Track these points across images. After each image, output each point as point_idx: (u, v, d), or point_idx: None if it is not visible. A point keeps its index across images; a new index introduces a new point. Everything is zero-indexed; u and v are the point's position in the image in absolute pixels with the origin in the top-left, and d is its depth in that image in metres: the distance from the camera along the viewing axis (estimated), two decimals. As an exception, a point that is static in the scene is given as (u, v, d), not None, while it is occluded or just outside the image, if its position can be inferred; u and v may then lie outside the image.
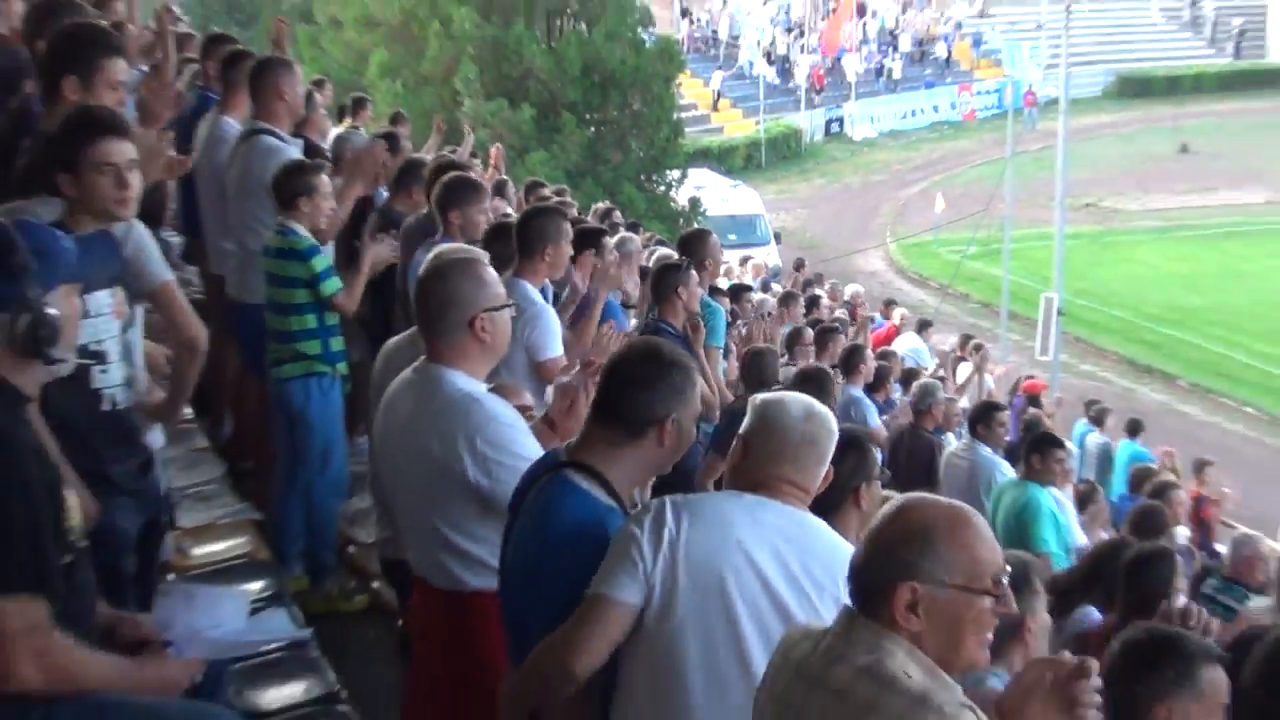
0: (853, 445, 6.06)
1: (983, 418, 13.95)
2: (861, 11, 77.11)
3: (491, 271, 6.04)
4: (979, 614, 3.72)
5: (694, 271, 10.61)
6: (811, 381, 9.51)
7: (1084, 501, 14.94)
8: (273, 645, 5.84)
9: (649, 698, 4.69)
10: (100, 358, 5.66)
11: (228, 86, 10.58)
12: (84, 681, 4.45)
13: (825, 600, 4.55)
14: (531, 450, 5.62)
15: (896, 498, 4.06)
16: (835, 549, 4.70)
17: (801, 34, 74.01)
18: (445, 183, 9.47)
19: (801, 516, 4.82)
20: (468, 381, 5.78)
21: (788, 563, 4.63)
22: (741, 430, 4.99)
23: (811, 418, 4.92)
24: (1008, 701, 3.75)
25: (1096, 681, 3.69)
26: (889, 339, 25.72)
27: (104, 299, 5.60)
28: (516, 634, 5.18)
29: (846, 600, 4.00)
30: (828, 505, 5.49)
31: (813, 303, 23.43)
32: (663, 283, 10.38)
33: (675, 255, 11.60)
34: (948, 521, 3.79)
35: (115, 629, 4.93)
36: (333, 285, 8.56)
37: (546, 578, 4.99)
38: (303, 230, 8.61)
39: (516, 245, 8.48)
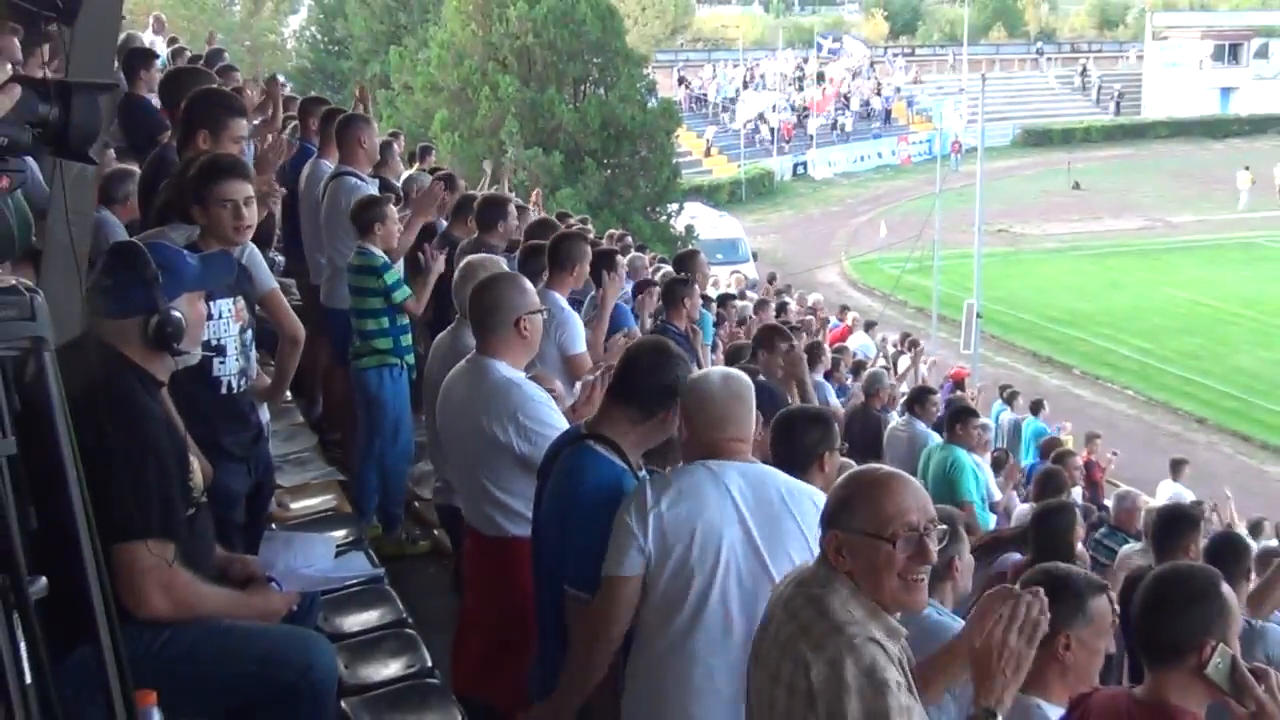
0: (819, 419, 6.01)
1: (918, 399, 13.95)
2: (821, 79, 77.25)
3: (529, 282, 6.15)
4: (888, 558, 3.68)
5: (696, 286, 10.75)
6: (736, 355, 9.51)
7: (999, 465, 14.96)
8: (353, 581, 5.79)
9: (658, 634, 4.64)
10: (220, 351, 5.68)
11: (323, 138, 10.61)
12: (202, 609, 4.45)
13: (786, 521, 4.55)
14: (560, 422, 5.70)
15: (852, 467, 4.05)
16: (782, 483, 4.68)
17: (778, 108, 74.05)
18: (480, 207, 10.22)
19: (751, 467, 4.72)
20: (510, 370, 5.85)
21: (751, 508, 4.56)
22: (680, 409, 4.91)
23: (729, 380, 4.81)
24: (974, 633, 3.70)
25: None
26: (843, 337, 25.68)
27: (225, 305, 5.64)
28: (549, 577, 5.14)
29: (801, 517, 4.41)
30: (797, 468, 5.43)
31: (781, 308, 23.37)
32: (671, 293, 10.49)
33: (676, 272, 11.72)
34: (867, 483, 3.82)
35: (228, 568, 4.92)
36: (403, 293, 8.59)
37: (575, 528, 4.95)
38: (377, 250, 8.64)
39: (549, 262, 8.56)
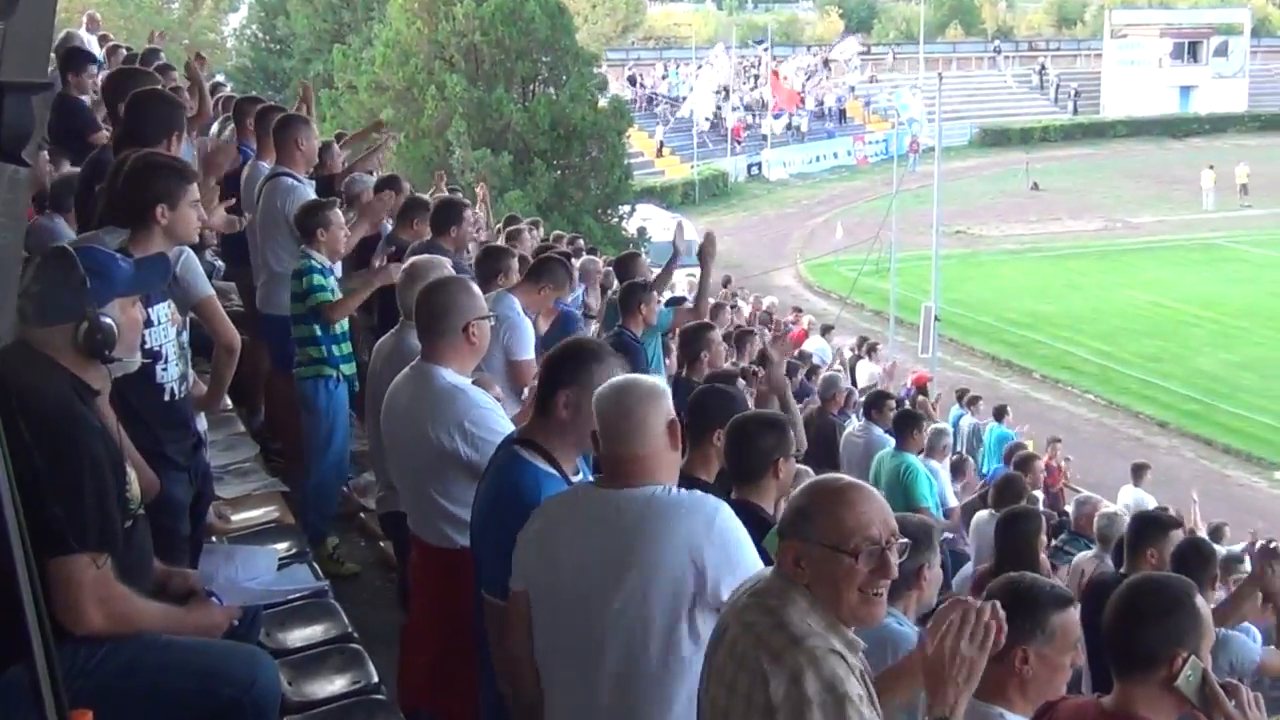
0: (773, 425, 6.02)
1: (875, 404, 13.96)
2: (776, 78, 77.44)
3: (477, 286, 6.14)
4: (849, 571, 3.70)
5: (654, 291, 10.73)
6: (722, 379, 9.45)
7: (957, 470, 15.02)
8: (298, 594, 5.77)
9: (546, 648, 4.59)
10: (161, 357, 5.64)
11: (260, 139, 10.57)
12: (140, 625, 4.42)
13: (639, 554, 4.32)
14: (507, 427, 5.66)
15: (811, 477, 4.05)
16: (653, 513, 4.35)
17: (727, 96, 74.07)
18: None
19: (632, 497, 4.39)
20: (456, 376, 5.84)
21: (600, 541, 4.40)
22: None
23: (623, 394, 4.48)
24: (931, 645, 3.70)
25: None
26: (800, 341, 25.73)
27: (162, 310, 5.61)
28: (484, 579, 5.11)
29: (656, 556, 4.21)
30: (751, 475, 5.44)
31: (716, 311, 23.32)
32: (629, 299, 10.43)
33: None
34: (828, 493, 3.82)
35: (167, 583, 4.87)
36: (320, 297, 8.52)
37: (491, 531, 4.97)
38: (319, 256, 8.61)
39: (526, 270, 8.73)
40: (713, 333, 10.43)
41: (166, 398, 5.76)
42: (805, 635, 3.63)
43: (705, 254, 10.97)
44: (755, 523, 4.75)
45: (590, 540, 4.41)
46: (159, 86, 8.36)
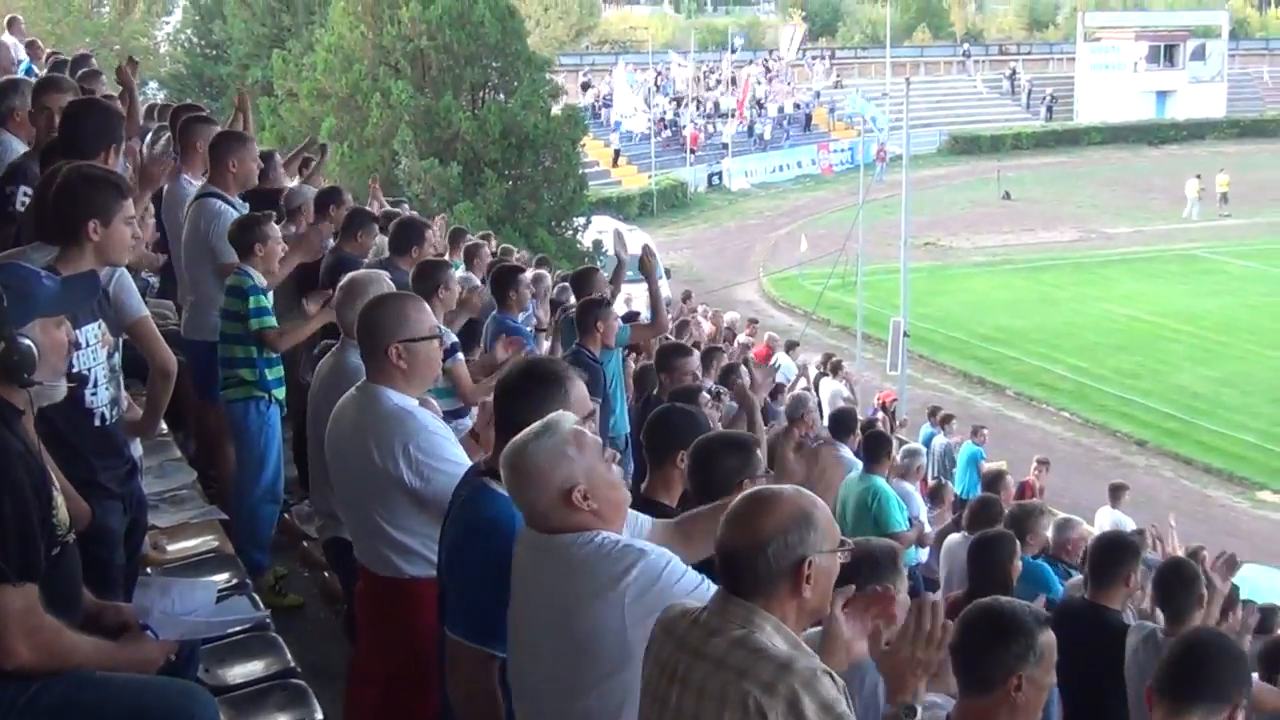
0: (737, 446, 6.03)
1: (842, 423, 13.98)
2: (734, 82, 77.67)
3: (418, 304, 6.00)
4: (836, 567, 3.91)
5: (612, 308, 10.73)
6: (683, 397, 9.45)
7: (936, 496, 15.04)
8: (238, 627, 5.74)
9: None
10: (89, 381, 5.58)
11: (183, 149, 10.47)
12: (70, 660, 4.38)
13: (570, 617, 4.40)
14: (457, 455, 5.65)
15: (748, 492, 4.05)
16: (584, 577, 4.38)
17: (682, 104, 74.27)
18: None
19: (559, 545, 4.43)
20: (401, 398, 5.78)
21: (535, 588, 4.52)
22: None
23: (523, 452, 4.47)
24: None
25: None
26: (764, 358, 25.74)
27: (91, 331, 5.54)
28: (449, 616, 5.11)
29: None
30: (716, 496, 5.44)
31: (681, 327, 23.29)
32: (586, 317, 10.41)
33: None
34: (809, 500, 3.94)
35: (100, 616, 4.84)
36: (263, 322, 8.51)
37: (468, 563, 4.95)
38: (255, 273, 8.59)
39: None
40: (689, 359, 10.39)
41: (97, 423, 5.71)
42: (791, 658, 3.70)
43: (647, 267, 11.02)
44: None
45: (527, 586, 4.52)
46: (95, 95, 8.33)
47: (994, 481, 15.18)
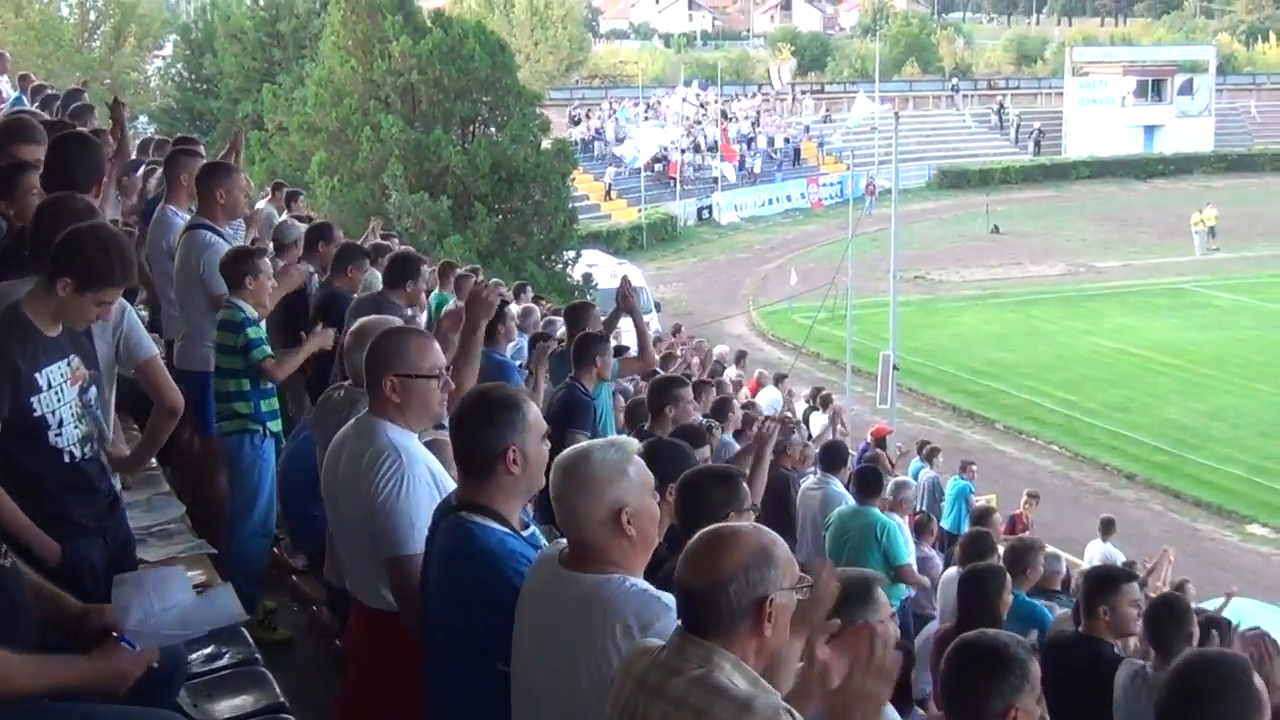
0: (724, 479, 6.02)
1: (834, 456, 13.96)
2: (725, 116, 77.88)
3: (417, 343, 5.93)
4: (794, 604, 3.90)
5: (610, 344, 10.73)
6: (688, 435, 9.43)
7: (922, 529, 15.05)
8: (218, 625, 5.64)
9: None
10: (51, 424, 5.54)
11: (169, 181, 10.47)
12: (17, 683, 4.29)
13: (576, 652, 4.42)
14: (422, 509, 5.54)
15: (706, 530, 4.04)
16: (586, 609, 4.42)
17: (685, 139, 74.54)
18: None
19: (587, 586, 4.44)
20: (399, 433, 5.73)
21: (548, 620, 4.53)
22: None
23: (563, 478, 4.50)
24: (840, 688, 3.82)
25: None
26: (753, 392, 25.78)
27: (56, 372, 5.53)
28: (442, 658, 5.11)
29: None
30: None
31: (667, 358, 23.26)
32: (584, 352, 10.36)
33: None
34: (769, 538, 3.92)
35: (85, 619, 4.83)
36: (261, 352, 8.52)
37: (463, 602, 4.93)
38: (245, 305, 8.60)
39: None
40: (683, 389, 10.36)
41: (67, 460, 5.66)
42: (751, 698, 3.67)
43: (630, 303, 11.06)
44: None
45: (542, 617, 4.49)
46: (82, 130, 8.31)
47: (982, 518, 15.22)
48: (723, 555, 3.86)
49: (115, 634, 4.74)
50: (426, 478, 5.66)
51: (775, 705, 3.65)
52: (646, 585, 4.42)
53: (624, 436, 4.72)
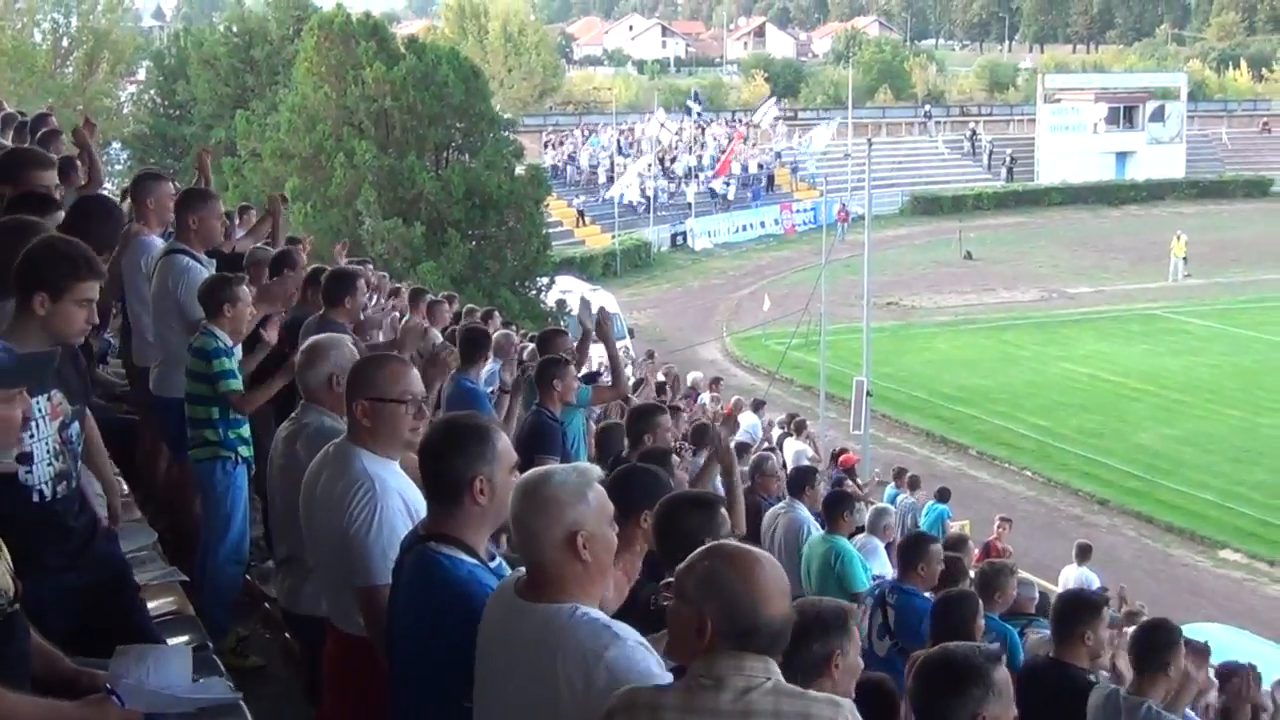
0: (700, 504, 6.02)
1: (803, 482, 13.90)
2: (699, 142, 78.15)
3: (390, 370, 5.94)
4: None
5: (571, 367, 10.69)
6: (655, 458, 9.39)
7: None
8: (207, 705, 5.63)
9: None
10: (25, 459, 5.41)
11: (135, 204, 10.44)
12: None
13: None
14: (390, 537, 5.55)
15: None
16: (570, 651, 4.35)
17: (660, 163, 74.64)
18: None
19: (521, 611, 4.44)
20: (372, 460, 5.74)
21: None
22: None
23: (521, 499, 4.47)
24: None
25: None
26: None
27: (35, 406, 5.35)
28: (408, 689, 5.09)
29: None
30: (678, 556, 5.41)
31: (659, 388, 23.27)
32: (543, 375, 10.38)
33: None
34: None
35: (76, 682, 4.80)
36: (228, 385, 8.47)
37: (430, 634, 4.90)
38: (221, 334, 8.56)
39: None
40: (662, 416, 10.25)
41: (35, 499, 5.50)
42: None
43: (603, 331, 11.11)
44: None
45: (499, 648, 4.50)
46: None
47: (956, 545, 15.22)
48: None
49: (107, 685, 4.73)
50: (400, 507, 5.65)
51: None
52: (598, 614, 4.37)
53: (587, 464, 4.70)
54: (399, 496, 5.68)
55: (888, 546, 14.19)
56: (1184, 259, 60.98)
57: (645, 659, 4.27)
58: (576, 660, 4.23)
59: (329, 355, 6.84)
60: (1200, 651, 9.13)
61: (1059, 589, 17.39)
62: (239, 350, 8.85)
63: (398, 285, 16.28)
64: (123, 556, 6.42)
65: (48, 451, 5.53)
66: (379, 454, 5.77)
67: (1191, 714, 8.07)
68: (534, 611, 4.38)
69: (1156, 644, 7.25)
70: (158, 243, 9.89)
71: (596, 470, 4.63)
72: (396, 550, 5.32)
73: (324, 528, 5.83)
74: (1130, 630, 8.70)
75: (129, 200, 11.41)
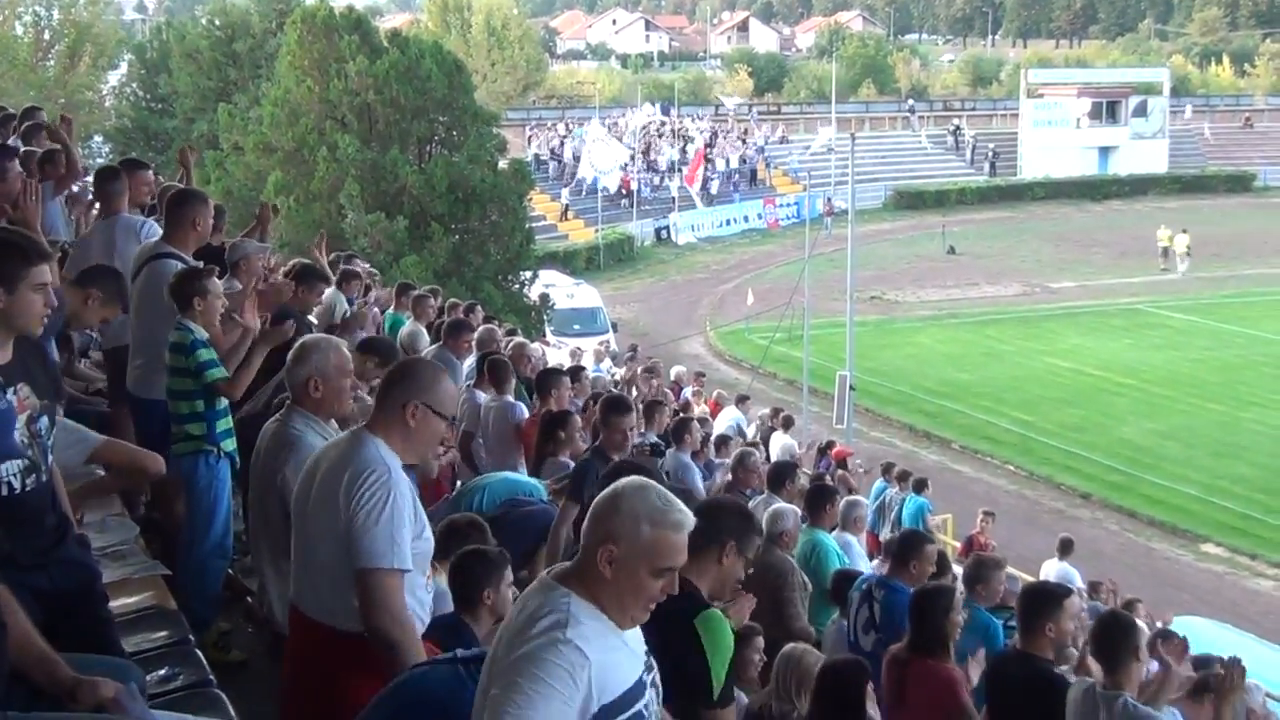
0: (739, 512, 6.08)
1: (782, 476, 13.89)
2: (675, 134, 78.12)
3: (451, 385, 6.06)
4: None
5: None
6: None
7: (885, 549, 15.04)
8: (178, 681, 5.62)
9: None
10: None
11: (99, 194, 10.46)
12: None
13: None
14: (398, 534, 5.62)
15: None
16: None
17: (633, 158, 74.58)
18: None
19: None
20: (387, 451, 5.73)
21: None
22: None
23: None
24: None
25: None
26: (713, 413, 25.74)
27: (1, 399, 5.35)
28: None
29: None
30: (696, 546, 5.24)
31: (628, 385, 23.17)
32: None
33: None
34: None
35: (76, 690, 4.77)
36: (215, 374, 8.44)
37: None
38: (195, 326, 8.52)
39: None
40: (628, 416, 10.23)
41: (5, 491, 5.41)
42: None
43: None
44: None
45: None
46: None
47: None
48: None
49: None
50: (410, 497, 5.70)
51: None
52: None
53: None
54: (409, 487, 5.74)
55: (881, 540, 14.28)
56: (1188, 253, 61.05)
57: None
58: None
59: (310, 358, 6.86)
60: (1179, 645, 9.16)
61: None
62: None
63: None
64: (94, 564, 6.27)
65: (17, 446, 5.44)
66: (397, 453, 5.76)
67: (1174, 710, 8.07)
68: None
69: (1114, 637, 7.29)
70: (137, 218, 9.93)
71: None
72: (406, 539, 5.53)
73: (323, 515, 5.76)
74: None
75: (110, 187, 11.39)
